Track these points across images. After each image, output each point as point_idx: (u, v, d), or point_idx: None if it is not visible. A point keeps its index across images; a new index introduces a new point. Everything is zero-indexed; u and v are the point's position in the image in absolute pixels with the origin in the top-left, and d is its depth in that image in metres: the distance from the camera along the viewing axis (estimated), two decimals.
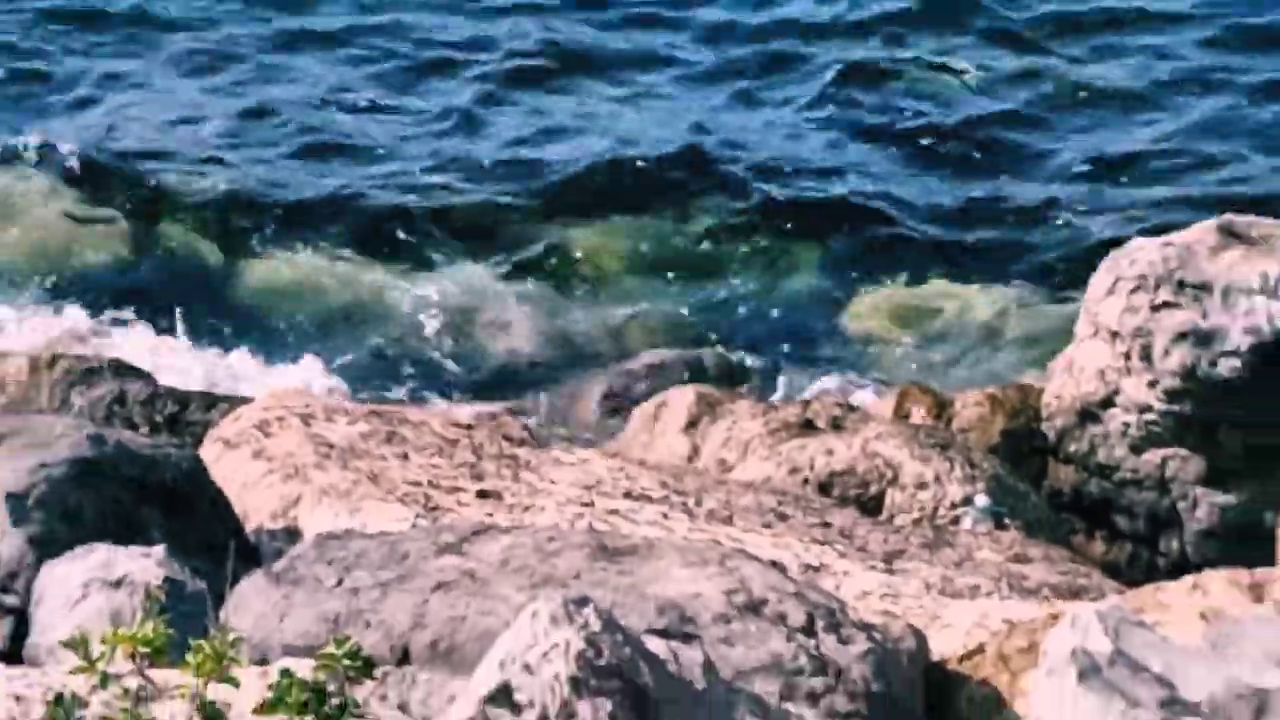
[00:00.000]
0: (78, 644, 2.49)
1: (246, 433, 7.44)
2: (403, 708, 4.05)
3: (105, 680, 2.43)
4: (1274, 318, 8.25)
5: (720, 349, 12.13)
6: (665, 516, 6.89)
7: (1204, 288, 8.45)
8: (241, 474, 7.00)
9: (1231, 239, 8.64)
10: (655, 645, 4.13)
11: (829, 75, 17.45)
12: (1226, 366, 8.30)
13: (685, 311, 12.59)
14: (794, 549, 6.45)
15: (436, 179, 14.94)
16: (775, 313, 12.72)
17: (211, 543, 5.51)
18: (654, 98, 17.11)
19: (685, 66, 18.35)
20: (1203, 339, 8.36)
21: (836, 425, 8.53)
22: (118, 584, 4.81)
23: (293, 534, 6.28)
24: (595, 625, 3.92)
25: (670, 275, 13.26)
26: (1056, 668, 4.39)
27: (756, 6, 20.04)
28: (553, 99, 17.69)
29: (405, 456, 7.30)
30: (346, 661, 2.38)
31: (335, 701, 2.30)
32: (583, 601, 4.00)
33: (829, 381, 11.57)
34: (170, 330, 11.97)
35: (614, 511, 6.82)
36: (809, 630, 4.69)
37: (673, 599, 4.92)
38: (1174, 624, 5.35)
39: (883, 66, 17.98)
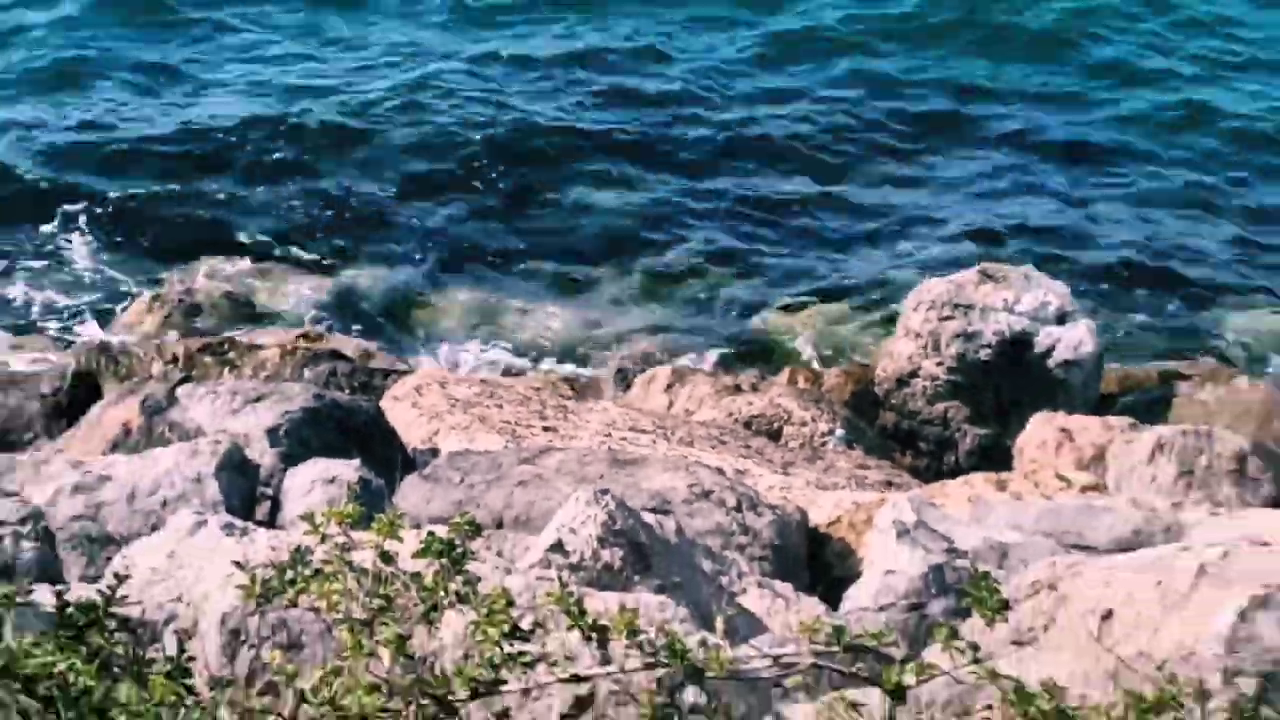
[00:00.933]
0: (308, 517, 2.35)
1: (407, 393, 7.01)
2: (499, 554, 3.87)
3: (324, 539, 2.30)
4: (1011, 326, 7.97)
5: (686, 340, 11.69)
6: (654, 441, 6.40)
7: (970, 307, 8.15)
8: (404, 418, 6.54)
9: (986, 278, 8.34)
10: (648, 517, 3.81)
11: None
12: (983, 354, 8.00)
13: (667, 318, 12.02)
14: (728, 461, 6.02)
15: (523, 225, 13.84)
16: (718, 319, 12.22)
17: (386, 458, 5.23)
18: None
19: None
20: (969, 338, 8.02)
21: (754, 388, 8.23)
22: (331, 482, 4.42)
23: (434, 453, 5.83)
24: (612, 506, 3.70)
25: (657, 294, 12.77)
26: (883, 530, 4.12)
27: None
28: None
29: (500, 406, 6.87)
30: (466, 527, 2.26)
31: (459, 550, 2.18)
32: (605, 491, 3.81)
33: (750, 362, 11.19)
34: (364, 334, 11.55)
35: (623, 439, 6.39)
36: (738, 509, 4.38)
37: (658, 490, 4.63)
38: (952, 505, 5.01)
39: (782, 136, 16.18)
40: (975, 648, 2.06)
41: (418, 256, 13.35)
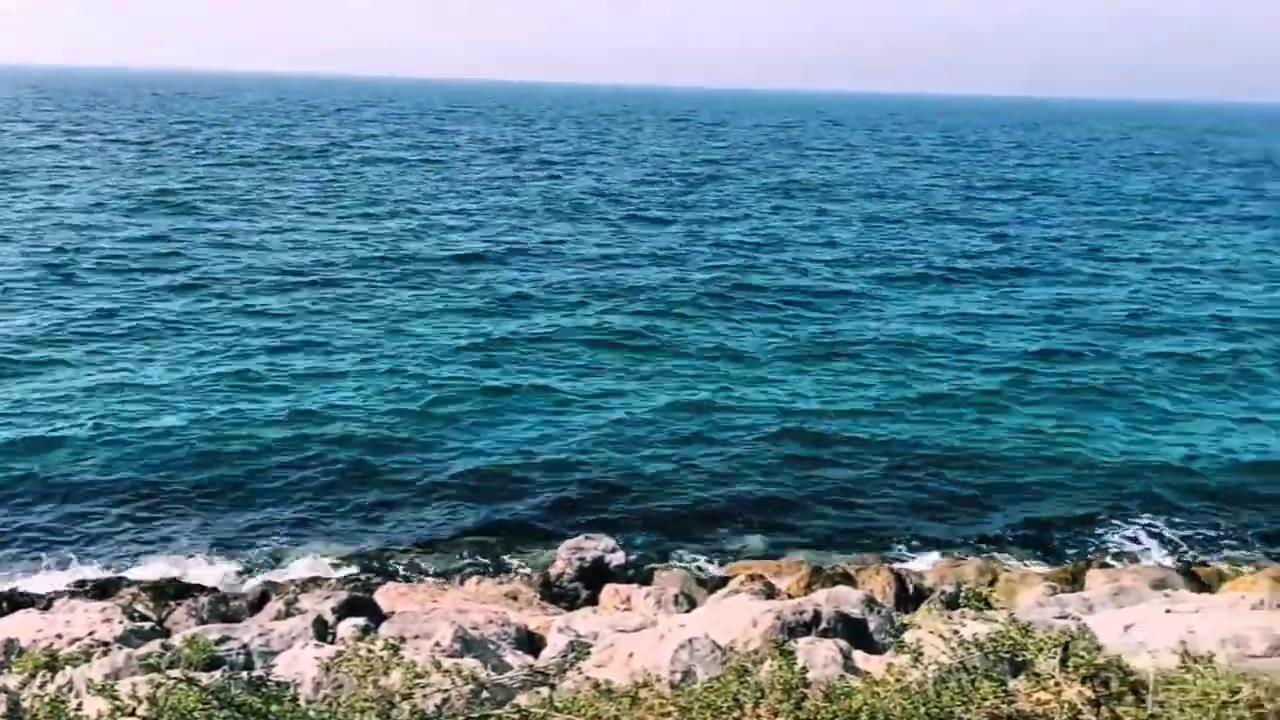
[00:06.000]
0: (345, 640, 8.35)
1: (385, 590, 12.97)
2: (415, 648, 9.84)
3: (347, 648, 8.09)
4: (592, 554, 13.89)
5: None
6: (476, 603, 12.47)
7: (580, 548, 14.36)
8: (384, 601, 12.45)
9: (588, 540, 14.36)
10: (471, 631, 9.71)
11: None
12: (587, 564, 14.38)
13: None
14: (504, 608, 12.23)
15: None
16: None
17: (375, 615, 11.13)
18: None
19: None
20: (582, 561, 14.50)
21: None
22: (353, 624, 10.39)
23: (392, 613, 11.79)
24: (459, 629, 9.49)
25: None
26: (558, 629, 10.46)
27: None
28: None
29: (413, 592, 12.96)
30: (395, 641, 7.92)
31: (396, 646, 7.63)
32: (454, 623, 9.61)
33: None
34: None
35: (465, 603, 12.48)
36: (504, 625, 10.48)
37: (475, 622, 10.32)
38: (578, 621, 11.21)
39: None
40: (585, 654, 8.64)
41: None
